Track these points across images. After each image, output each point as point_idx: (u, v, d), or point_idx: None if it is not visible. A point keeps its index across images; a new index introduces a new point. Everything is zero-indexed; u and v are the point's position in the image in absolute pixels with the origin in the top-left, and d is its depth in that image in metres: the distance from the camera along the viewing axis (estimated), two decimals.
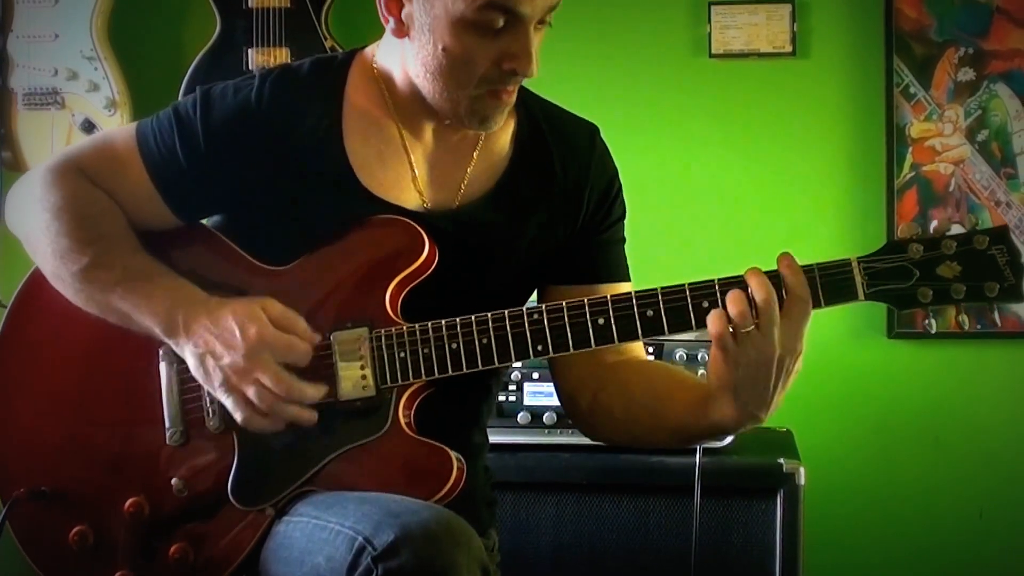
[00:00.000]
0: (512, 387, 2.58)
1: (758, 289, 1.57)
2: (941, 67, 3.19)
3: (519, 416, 2.57)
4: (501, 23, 1.62)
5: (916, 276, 1.58)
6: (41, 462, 1.78)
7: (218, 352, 1.66)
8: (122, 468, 1.75)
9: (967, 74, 3.19)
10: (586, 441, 2.42)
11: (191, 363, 1.69)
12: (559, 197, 1.83)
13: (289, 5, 3.13)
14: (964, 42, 3.18)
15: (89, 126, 3.15)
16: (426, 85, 1.70)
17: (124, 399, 1.77)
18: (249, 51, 3.14)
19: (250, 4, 3.14)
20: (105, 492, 1.74)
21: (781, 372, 1.61)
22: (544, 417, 2.56)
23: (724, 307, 1.59)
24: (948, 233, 1.59)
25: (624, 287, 1.85)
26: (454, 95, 1.69)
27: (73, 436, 1.77)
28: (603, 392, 1.83)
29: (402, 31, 1.69)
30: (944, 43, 3.19)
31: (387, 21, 1.70)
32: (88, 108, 3.15)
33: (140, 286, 1.71)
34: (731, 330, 1.58)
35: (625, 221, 1.92)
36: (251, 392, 1.65)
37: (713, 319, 1.59)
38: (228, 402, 1.67)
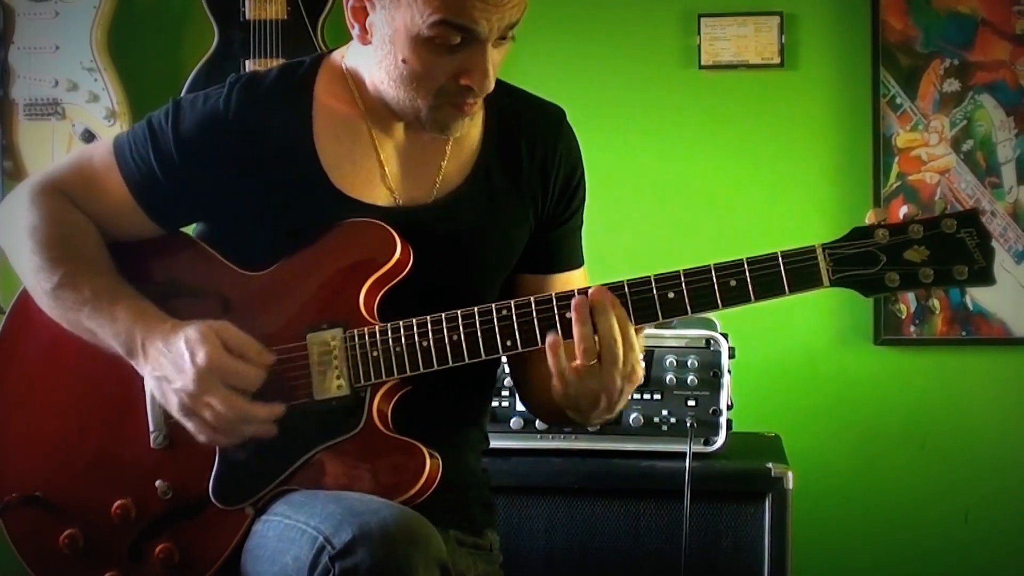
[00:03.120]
0: (505, 392, 2.58)
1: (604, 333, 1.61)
2: (927, 78, 3.22)
3: (512, 421, 2.56)
4: (458, 40, 1.64)
5: (883, 261, 1.57)
6: (33, 468, 1.81)
7: (170, 377, 1.67)
8: (109, 472, 1.77)
9: (952, 85, 3.21)
10: (578, 446, 2.47)
11: (151, 386, 1.71)
12: (527, 183, 1.84)
13: (285, 17, 3.15)
14: (949, 53, 3.21)
15: (89, 136, 3.17)
16: (389, 91, 1.72)
17: (111, 405, 1.79)
18: (246, 62, 3.16)
19: (247, 16, 3.16)
20: (94, 496, 1.77)
21: (622, 396, 1.66)
22: (536, 422, 2.56)
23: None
24: (916, 218, 1.58)
25: (577, 275, 1.89)
26: (415, 103, 1.70)
27: (63, 442, 1.80)
28: (526, 365, 1.88)
29: (365, 39, 1.72)
30: (930, 54, 3.22)
31: (352, 27, 1.73)
32: (88, 118, 3.18)
33: (105, 308, 1.73)
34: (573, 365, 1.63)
35: (584, 208, 1.92)
36: (207, 415, 1.66)
37: (549, 343, 1.63)
38: (189, 425, 1.69)
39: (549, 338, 1.64)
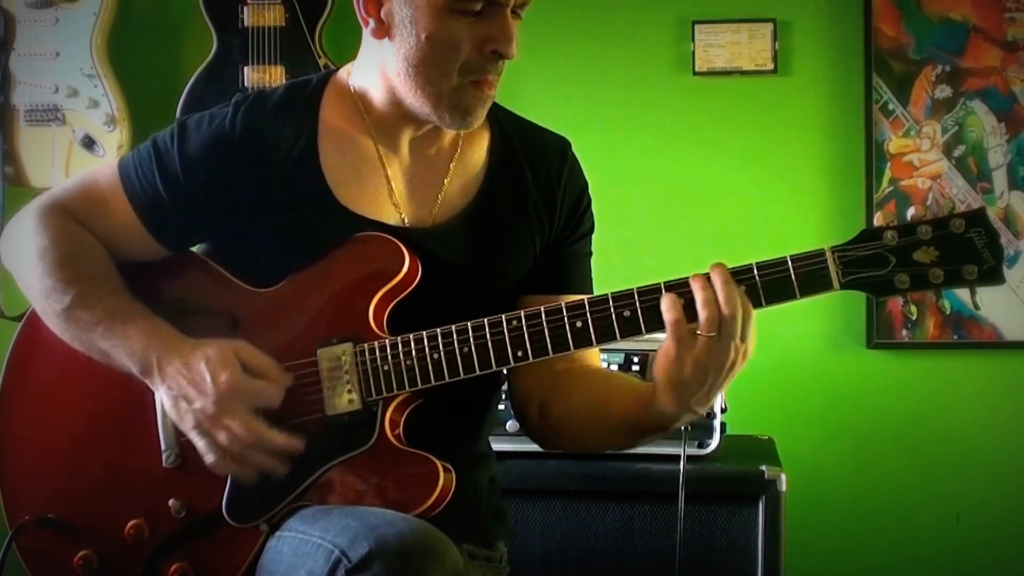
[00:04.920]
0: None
1: (725, 303, 1.58)
2: (919, 84, 3.23)
3: (507, 424, 2.51)
4: (479, 7, 1.66)
5: (892, 263, 1.56)
6: (46, 490, 1.80)
7: (190, 396, 1.67)
8: (122, 492, 1.77)
9: (944, 91, 3.23)
10: None
11: (166, 404, 1.71)
12: (532, 212, 1.84)
13: (284, 24, 3.16)
14: (941, 60, 3.23)
15: (89, 142, 3.18)
16: (408, 82, 1.71)
17: (122, 425, 1.79)
18: (245, 68, 3.17)
19: (246, 23, 3.17)
20: (107, 517, 1.76)
21: (730, 374, 1.62)
22: None
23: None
24: (923, 219, 1.56)
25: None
26: (437, 87, 1.70)
27: (75, 463, 1.79)
28: (549, 401, 1.85)
29: (382, 31, 1.71)
30: (922, 61, 3.23)
31: (366, 23, 1.72)
32: (88, 124, 3.19)
33: (119, 327, 1.72)
34: (695, 332, 1.59)
35: (592, 236, 1.93)
36: (222, 437, 1.66)
37: (669, 305, 1.59)
38: (200, 444, 1.68)
39: (666, 303, 1.59)
